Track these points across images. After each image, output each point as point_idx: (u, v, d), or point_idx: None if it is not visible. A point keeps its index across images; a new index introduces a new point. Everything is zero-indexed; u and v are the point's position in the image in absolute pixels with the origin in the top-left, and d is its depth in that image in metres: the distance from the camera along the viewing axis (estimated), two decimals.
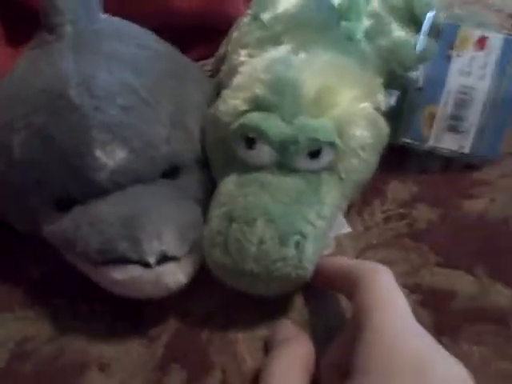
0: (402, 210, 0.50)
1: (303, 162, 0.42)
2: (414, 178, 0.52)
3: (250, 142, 0.42)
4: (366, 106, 0.45)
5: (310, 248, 0.40)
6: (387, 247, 0.48)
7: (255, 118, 0.42)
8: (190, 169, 0.48)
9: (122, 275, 0.42)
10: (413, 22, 0.55)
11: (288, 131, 0.42)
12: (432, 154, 0.52)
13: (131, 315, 0.47)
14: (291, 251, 0.40)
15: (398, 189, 0.52)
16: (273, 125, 0.42)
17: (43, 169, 0.45)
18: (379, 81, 0.49)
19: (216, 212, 0.42)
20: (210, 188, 0.48)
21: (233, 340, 0.44)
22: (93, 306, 0.48)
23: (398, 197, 0.51)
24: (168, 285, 0.43)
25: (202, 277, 0.44)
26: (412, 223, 0.49)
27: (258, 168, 0.43)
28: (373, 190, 0.51)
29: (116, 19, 0.53)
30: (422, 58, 0.50)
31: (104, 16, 0.53)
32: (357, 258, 0.47)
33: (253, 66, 0.46)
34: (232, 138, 0.43)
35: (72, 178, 0.44)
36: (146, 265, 0.42)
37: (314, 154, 0.42)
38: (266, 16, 0.51)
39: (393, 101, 0.50)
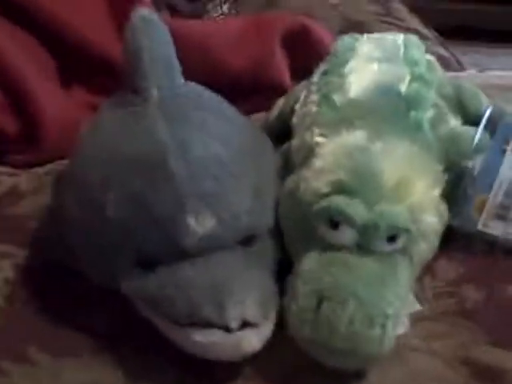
0: (450, 289, 0.54)
1: (381, 245, 0.46)
2: (460, 258, 0.56)
3: (334, 224, 0.46)
4: (435, 194, 0.49)
5: (391, 328, 0.44)
6: (437, 321, 0.52)
7: (340, 201, 0.46)
8: (263, 237, 0.51)
9: (203, 338, 0.45)
10: (461, 110, 0.60)
11: (370, 216, 0.46)
12: (479, 237, 0.56)
13: (200, 371, 0.49)
14: (377, 332, 0.43)
15: (446, 267, 0.56)
16: (356, 209, 0.46)
17: (134, 229, 0.48)
18: (441, 167, 0.53)
19: (303, 289, 0.45)
20: (280, 257, 0.52)
21: None
22: (161, 356, 0.50)
23: (446, 275, 0.55)
24: (245, 350, 0.46)
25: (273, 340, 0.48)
26: (460, 302, 0.53)
27: (339, 248, 0.47)
28: (423, 267, 0.55)
29: (194, 85, 0.57)
30: (478, 150, 0.55)
31: (183, 81, 0.56)
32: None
33: (333, 150, 0.50)
34: (314, 218, 0.47)
35: (161, 241, 0.47)
36: (227, 329, 0.45)
37: (392, 238, 0.46)
38: (337, 98, 0.55)
39: None
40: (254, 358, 0.47)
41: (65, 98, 0.75)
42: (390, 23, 0.98)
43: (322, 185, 0.48)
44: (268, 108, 0.72)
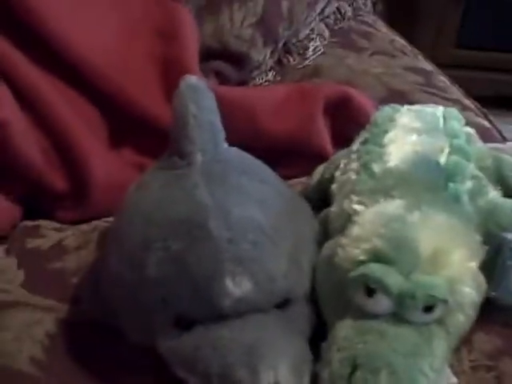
0: (488, 362, 0.54)
1: (417, 315, 0.46)
2: (499, 330, 0.56)
3: (370, 291, 0.47)
4: (473, 265, 0.49)
5: None
6: None
7: (377, 269, 0.47)
8: (299, 302, 0.52)
9: None
10: (501, 183, 0.60)
11: (406, 286, 0.46)
12: None
13: None
14: None
15: (484, 340, 0.55)
16: (393, 278, 0.46)
17: (173, 289, 0.49)
18: (479, 239, 0.53)
19: (337, 356, 0.46)
20: (314, 322, 0.52)
21: None
22: None
23: (484, 348, 0.55)
24: None
25: None
26: (499, 376, 0.53)
27: (374, 316, 0.47)
28: (461, 339, 0.54)
29: (236, 150, 0.59)
30: None
31: (225, 146, 0.58)
32: None
33: (371, 219, 0.51)
34: (351, 285, 0.48)
35: (199, 302, 0.48)
36: None
37: (428, 309, 0.46)
38: (376, 167, 0.56)
39: None
40: None
41: (113, 158, 0.78)
42: (432, 93, 0.99)
43: (358, 252, 0.48)
44: (308, 174, 0.73)
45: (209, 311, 0.48)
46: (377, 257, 0.48)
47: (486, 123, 0.97)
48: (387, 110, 0.66)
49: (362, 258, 0.48)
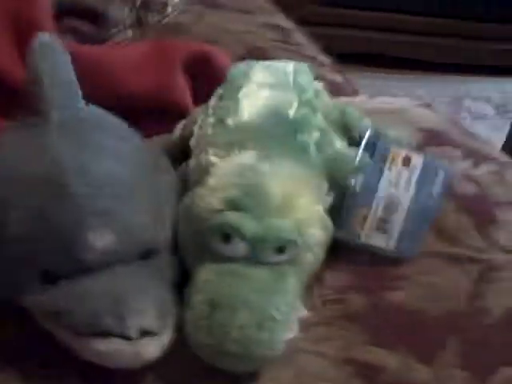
0: (337, 296, 0.59)
1: (270, 256, 0.51)
2: (346, 268, 0.62)
3: (227, 237, 0.50)
4: (319, 208, 0.54)
5: (279, 332, 0.48)
6: (326, 326, 0.57)
7: (232, 217, 0.50)
8: (161, 252, 0.54)
9: (103, 347, 0.48)
10: (346, 133, 0.66)
11: (259, 230, 0.50)
12: (363, 249, 0.61)
13: (102, 381, 0.51)
14: (266, 336, 0.48)
15: (334, 277, 0.61)
16: (247, 224, 0.50)
17: (35, 245, 0.50)
18: (326, 185, 0.58)
19: (198, 298, 0.49)
20: (178, 269, 0.55)
21: None
22: (64, 370, 0.52)
23: (334, 284, 0.60)
24: (145, 357, 0.49)
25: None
26: (346, 307, 0.58)
27: (231, 259, 0.50)
28: (312, 277, 0.59)
29: (94, 108, 0.59)
30: (359, 168, 0.60)
31: (83, 104, 0.58)
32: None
33: (225, 169, 0.54)
34: (208, 233, 0.51)
35: (63, 256, 0.50)
36: (127, 338, 0.48)
37: (280, 250, 0.51)
38: (231, 121, 0.59)
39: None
40: (154, 366, 0.50)
41: None
42: (290, 50, 1.03)
43: (215, 201, 0.52)
44: (170, 131, 0.74)
45: (73, 265, 0.50)
46: (232, 205, 0.51)
47: (340, 79, 1.03)
48: (241, 66, 0.69)
49: (218, 206, 0.51)
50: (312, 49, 1.11)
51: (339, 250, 0.61)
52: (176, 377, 0.52)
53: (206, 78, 0.81)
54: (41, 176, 0.51)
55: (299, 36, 1.12)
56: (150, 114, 0.80)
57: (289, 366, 0.53)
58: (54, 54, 0.57)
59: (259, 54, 0.96)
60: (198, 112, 0.70)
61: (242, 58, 0.78)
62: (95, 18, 0.96)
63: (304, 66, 0.70)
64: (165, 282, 0.53)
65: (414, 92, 1.84)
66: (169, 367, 0.52)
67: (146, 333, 0.48)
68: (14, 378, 0.51)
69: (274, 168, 0.54)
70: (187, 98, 0.83)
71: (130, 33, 1.02)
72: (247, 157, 0.55)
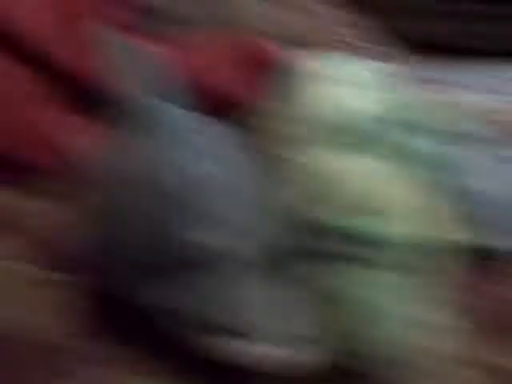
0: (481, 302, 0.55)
1: (368, 254, 0.49)
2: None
3: (317, 233, 0.50)
4: (411, 200, 0.52)
5: (409, 334, 0.48)
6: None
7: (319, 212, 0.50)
8: (266, 249, 0.52)
9: (221, 345, 0.48)
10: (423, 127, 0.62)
11: (347, 226, 0.49)
12: None
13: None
14: (396, 338, 0.47)
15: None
16: (332, 219, 0.49)
17: (148, 245, 0.50)
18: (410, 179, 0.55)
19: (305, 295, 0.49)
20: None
21: None
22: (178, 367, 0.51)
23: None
24: (264, 357, 0.48)
25: None
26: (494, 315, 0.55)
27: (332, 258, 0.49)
28: None
29: (187, 112, 0.59)
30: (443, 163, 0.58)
31: (180, 108, 0.58)
32: None
33: (302, 166, 0.54)
34: (306, 231, 0.50)
35: (168, 255, 0.50)
36: (246, 336, 0.48)
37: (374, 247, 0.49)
38: (303, 119, 0.58)
39: None
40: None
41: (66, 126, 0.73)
42: (356, 44, 0.97)
43: (300, 199, 0.51)
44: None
45: (179, 263, 0.50)
46: (315, 201, 0.50)
47: (413, 71, 0.97)
48: (312, 62, 0.67)
49: (303, 204, 0.51)
50: (383, 41, 1.06)
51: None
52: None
53: (261, 71, 0.78)
54: (142, 179, 0.52)
55: (367, 28, 1.06)
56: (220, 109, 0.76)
57: (433, 375, 0.50)
58: (138, 56, 0.59)
59: (324, 48, 0.91)
60: (265, 106, 0.68)
61: (306, 54, 0.75)
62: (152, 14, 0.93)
63: (377, 62, 0.69)
64: (283, 284, 0.51)
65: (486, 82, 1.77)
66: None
67: (262, 332, 0.48)
68: (128, 375, 0.51)
69: (353, 164, 0.53)
70: (242, 92, 0.78)
71: (183, 29, 0.99)
72: (323, 154, 0.54)
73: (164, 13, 0.93)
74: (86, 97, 0.75)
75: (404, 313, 0.48)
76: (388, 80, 0.65)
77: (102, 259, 0.53)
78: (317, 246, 0.50)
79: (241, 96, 0.77)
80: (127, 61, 0.57)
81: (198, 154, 0.54)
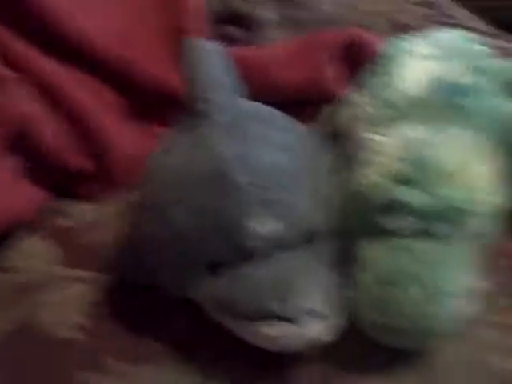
0: None
1: (444, 229, 0.47)
2: None
3: (395, 213, 0.47)
4: (493, 176, 0.50)
5: (453, 305, 0.46)
6: (509, 296, 0.53)
7: (401, 191, 0.48)
8: (324, 235, 0.53)
9: (272, 332, 0.48)
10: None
11: (430, 202, 0.47)
12: None
13: (272, 365, 0.51)
14: (442, 310, 0.45)
15: None
16: (416, 197, 0.47)
17: (201, 238, 0.51)
18: (502, 150, 0.53)
19: (366, 276, 0.47)
20: (339, 251, 0.53)
21: None
22: (235, 358, 0.52)
23: None
24: (312, 339, 0.48)
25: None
26: None
27: (400, 235, 0.48)
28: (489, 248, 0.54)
29: (251, 102, 0.60)
30: None
31: (242, 100, 0.59)
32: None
33: (389, 145, 0.51)
34: (377, 210, 0.49)
35: (227, 246, 0.50)
36: (295, 322, 0.47)
37: (453, 221, 0.47)
38: (390, 96, 0.56)
39: None
40: (323, 348, 0.49)
41: (132, 131, 0.79)
42: (445, 24, 0.97)
43: (381, 178, 0.49)
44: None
45: (238, 254, 0.50)
46: (399, 179, 0.48)
47: (504, 42, 0.95)
48: (396, 40, 0.66)
49: (384, 182, 0.49)
50: (473, 21, 1.04)
51: None
52: (344, 359, 0.51)
53: (358, 61, 0.78)
54: (205, 173, 0.52)
55: (456, 9, 1.05)
56: (301, 107, 0.80)
57: (469, 339, 0.50)
58: (208, 54, 0.59)
59: (412, 31, 0.92)
60: (352, 93, 0.67)
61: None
62: (246, 22, 0.98)
63: (466, 33, 0.65)
64: (328, 264, 0.51)
65: None
66: (336, 350, 0.50)
67: (312, 315, 0.47)
68: (186, 370, 0.52)
69: (442, 137, 0.50)
70: (339, 85, 0.81)
71: (279, 33, 1.03)
72: (412, 129, 0.52)
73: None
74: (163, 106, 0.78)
75: (464, 286, 0.47)
76: (479, 49, 0.62)
77: (147, 255, 0.54)
78: (391, 225, 0.48)
79: (321, 91, 0.78)
80: (203, 62, 0.57)
81: (261, 143, 0.53)
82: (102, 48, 0.77)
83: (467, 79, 0.56)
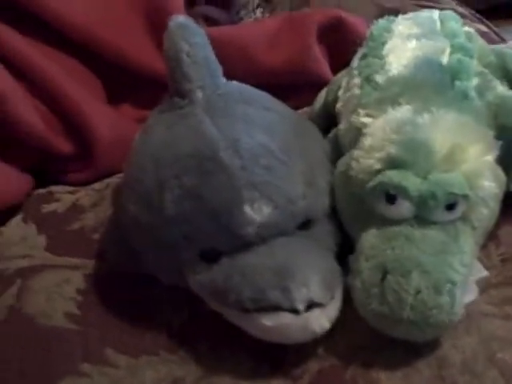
0: None
1: (440, 214, 0.46)
2: None
3: (390, 198, 0.47)
4: (489, 158, 0.49)
5: (458, 295, 0.44)
6: (509, 286, 0.52)
7: (394, 175, 0.46)
8: (320, 220, 0.52)
9: (272, 322, 0.46)
10: (506, 76, 0.59)
11: (426, 187, 0.46)
12: None
13: (273, 357, 0.50)
14: (445, 299, 0.44)
15: (510, 232, 0.55)
16: (411, 181, 0.46)
17: (193, 224, 0.49)
18: (492, 134, 0.52)
19: (366, 265, 0.46)
20: (338, 238, 0.52)
21: (375, 379, 0.47)
22: (235, 349, 0.51)
23: (511, 240, 0.55)
24: (314, 330, 0.47)
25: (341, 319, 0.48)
26: None
27: (397, 221, 0.47)
28: (487, 235, 0.54)
29: (235, 83, 0.58)
30: None
31: (224, 80, 0.58)
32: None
33: (381, 128, 0.50)
34: (371, 195, 0.48)
35: (221, 233, 0.48)
36: (295, 311, 0.46)
37: (450, 207, 0.46)
38: (379, 78, 0.55)
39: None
40: (325, 338, 0.48)
41: (115, 114, 0.78)
42: (424, 6, 0.97)
43: (373, 162, 0.48)
44: (310, 104, 0.73)
45: (233, 241, 0.48)
46: (392, 163, 0.47)
47: (484, 27, 0.96)
48: (382, 22, 0.65)
49: (377, 166, 0.48)
50: (449, 2, 1.05)
51: None
52: (343, 350, 0.50)
53: (342, 43, 0.80)
54: (193, 154, 0.50)
55: None
56: (288, 87, 0.79)
57: (472, 331, 0.48)
58: (190, 33, 0.56)
59: (393, 13, 0.91)
60: (340, 76, 0.68)
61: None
62: (224, 1, 0.96)
63: (450, 12, 0.64)
64: (327, 251, 0.51)
65: None
66: (336, 340, 0.49)
67: (313, 305, 0.46)
68: (187, 359, 0.51)
69: (434, 119, 0.49)
70: (324, 67, 0.81)
71: (258, 12, 1.01)
72: (403, 111, 0.51)
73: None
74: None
75: (465, 274, 0.46)
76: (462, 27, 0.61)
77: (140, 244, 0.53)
78: (385, 210, 0.47)
79: (307, 71, 0.78)
80: (185, 41, 0.54)
81: (249, 124, 0.51)
82: (81, 28, 0.75)
83: (454, 58, 0.55)
